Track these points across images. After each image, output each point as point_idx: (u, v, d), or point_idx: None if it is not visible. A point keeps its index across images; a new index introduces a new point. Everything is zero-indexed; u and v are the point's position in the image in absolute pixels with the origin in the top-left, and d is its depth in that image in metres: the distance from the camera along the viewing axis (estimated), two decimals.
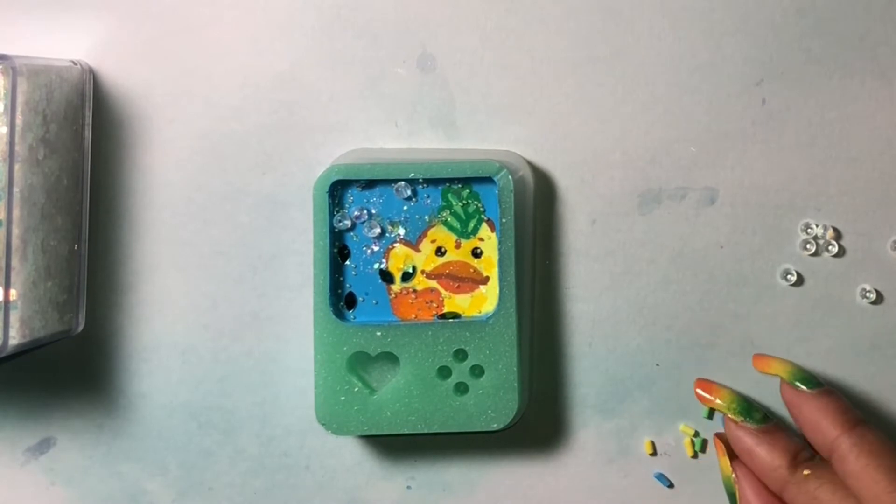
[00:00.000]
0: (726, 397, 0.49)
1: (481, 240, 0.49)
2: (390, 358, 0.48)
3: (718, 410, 0.49)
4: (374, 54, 0.50)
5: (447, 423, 0.48)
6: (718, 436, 0.50)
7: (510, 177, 0.47)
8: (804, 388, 0.48)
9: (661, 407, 0.51)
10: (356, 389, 0.47)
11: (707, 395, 0.49)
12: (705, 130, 0.51)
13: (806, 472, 0.46)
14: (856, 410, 0.47)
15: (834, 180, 0.51)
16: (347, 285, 0.49)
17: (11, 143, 0.44)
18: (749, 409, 0.49)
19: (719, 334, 0.51)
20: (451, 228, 0.49)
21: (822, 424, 0.47)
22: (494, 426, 0.48)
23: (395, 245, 0.49)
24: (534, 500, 0.52)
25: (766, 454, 0.48)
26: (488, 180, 0.48)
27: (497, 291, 0.48)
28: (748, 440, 0.48)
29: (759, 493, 0.48)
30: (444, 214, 0.49)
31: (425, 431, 0.48)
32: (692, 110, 0.51)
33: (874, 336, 0.51)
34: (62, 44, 0.50)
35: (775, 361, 0.49)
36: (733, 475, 0.49)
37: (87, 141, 0.49)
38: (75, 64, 0.49)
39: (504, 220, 0.47)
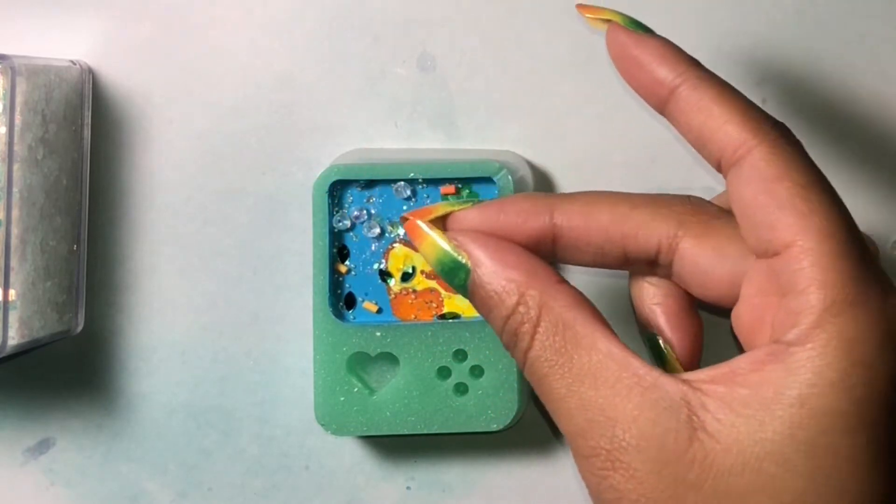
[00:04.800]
0: (444, 204, 0.39)
1: None
2: (390, 358, 0.48)
3: (440, 215, 0.39)
4: (374, 54, 0.50)
5: (447, 423, 0.48)
6: (413, 215, 0.39)
7: (510, 177, 0.47)
8: (640, 31, 0.39)
9: None
10: (356, 390, 0.47)
11: (421, 217, 0.38)
12: None
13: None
14: None
15: (834, 180, 0.51)
16: (347, 285, 0.49)
17: (10, 144, 0.44)
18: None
19: (720, 334, 0.51)
20: None
21: (662, 60, 0.38)
22: (494, 426, 0.48)
23: (394, 245, 0.49)
24: (534, 500, 0.52)
25: (519, 200, 0.38)
26: (488, 180, 0.48)
27: None
28: (488, 214, 0.38)
29: (486, 239, 0.37)
30: None
31: (425, 432, 0.48)
32: None
33: None
34: (61, 44, 0.50)
35: (604, 8, 0.40)
36: (446, 241, 0.37)
37: (87, 141, 0.49)
38: (74, 64, 0.49)
39: None
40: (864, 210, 0.51)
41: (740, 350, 0.35)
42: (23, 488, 0.51)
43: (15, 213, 0.44)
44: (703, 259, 0.37)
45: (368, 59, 0.50)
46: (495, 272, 0.36)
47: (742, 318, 0.36)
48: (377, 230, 0.48)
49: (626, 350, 0.35)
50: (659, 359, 0.39)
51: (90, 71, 0.49)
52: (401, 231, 0.49)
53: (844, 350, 0.32)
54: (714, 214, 0.38)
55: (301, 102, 0.50)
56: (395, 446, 0.51)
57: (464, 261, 0.37)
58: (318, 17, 0.50)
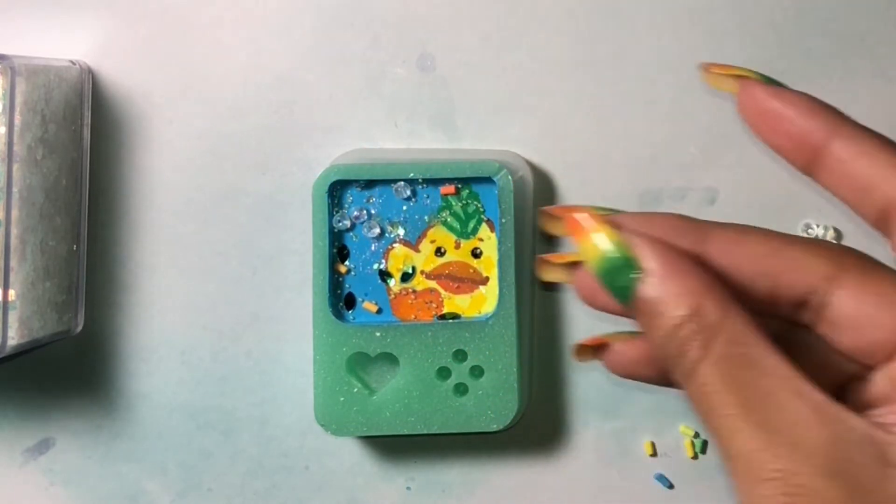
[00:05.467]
0: (586, 207, 0.36)
1: (481, 240, 0.49)
2: (390, 358, 0.48)
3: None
4: (374, 54, 0.50)
5: (447, 423, 0.48)
6: (559, 211, 0.35)
7: (510, 177, 0.47)
8: (776, 86, 0.37)
9: (662, 408, 0.51)
10: (355, 390, 0.47)
11: (565, 225, 0.35)
12: (705, 130, 0.51)
13: None
14: None
15: None
16: (347, 285, 0.49)
17: (10, 144, 0.44)
18: (615, 210, 0.36)
19: None
20: (450, 229, 0.49)
21: (811, 114, 0.35)
22: (494, 427, 0.48)
23: (394, 245, 0.49)
24: (534, 500, 0.51)
25: (667, 218, 0.35)
26: (488, 180, 0.48)
27: (497, 292, 0.48)
28: (636, 224, 0.35)
29: (660, 243, 0.34)
30: (444, 215, 0.49)
31: (425, 432, 0.48)
32: (692, 110, 0.51)
33: None
34: (61, 44, 0.50)
35: (736, 67, 0.38)
36: (616, 235, 0.34)
37: (86, 141, 0.49)
38: (74, 64, 0.49)
39: (504, 221, 0.47)
40: None
41: None
42: (23, 488, 0.51)
43: (15, 213, 0.44)
44: (865, 305, 0.34)
45: (368, 59, 0.50)
46: (668, 276, 0.33)
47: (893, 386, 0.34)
48: (377, 230, 0.48)
49: (806, 380, 0.33)
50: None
51: (90, 71, 0.49)
52: (400, 231, 0.49)
53: None
54: (874, 261, 0.36)
55: (301, 102, 0.50)
56: (395, 446, 0.51)
57: (634, 260, 0.33)
58: (318, 16, 0.50)
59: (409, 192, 0.48)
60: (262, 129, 0.50)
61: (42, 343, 0.47)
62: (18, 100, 0.44)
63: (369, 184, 0.48)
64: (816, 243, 0.35)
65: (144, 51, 0.50)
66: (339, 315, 0.48)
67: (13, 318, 0.45)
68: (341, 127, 0.50)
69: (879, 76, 0.51)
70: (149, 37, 0.50)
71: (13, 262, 0.44)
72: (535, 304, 0.51)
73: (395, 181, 0.48)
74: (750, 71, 0.37)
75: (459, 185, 0.48)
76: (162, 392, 0.51)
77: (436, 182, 0.48)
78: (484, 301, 0.49)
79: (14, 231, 0.44)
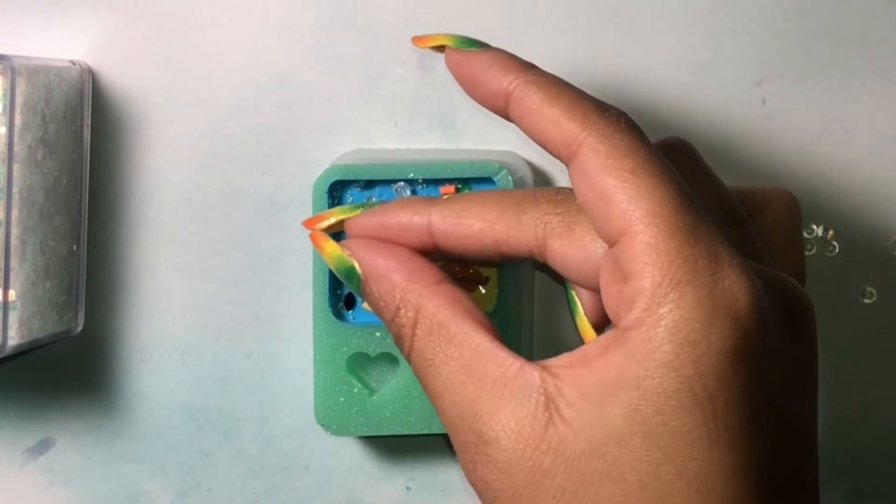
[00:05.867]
0: (335, 210, 0.42)
1: None
2: (390, 359, 0.48)
3: (335, 221, 0.42)
4: (374, 54, 0.50)
5: None
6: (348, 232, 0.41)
7: (510, 177, 0.47)
8: (472, 48, 0.40)
9: None
10: (356, 390, 0.47)
11: (314, 226, 0.42)
12: (705, 130, 0.51)
13: (447, 197, 0.40)
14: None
15: (834, 180, 0.51)
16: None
17: (10, 144, 0.44)
18: (364, 203, 0.42)
19: None
20: None
21: (493, 72, 0.38)
22: None
23: None
24: None
25: (399, 214, 0.40)
26: (488, 180, 0.48)
27: (497, 291, 0.48)
28: (376, 218, 0.40)
29: (373, 245, 0.40)
30: None
31: (425, 432, 0.48)
32: (692, 110, 0.51)
33: (874, 336, 0.51)
34: (61, 44, 0.50)
35: (437, 35, 0.41)
36: (340, 251, 0.40)
37: (87, 141, 0.49)
38: (74, 64, 0.49)
39: None
40: (865, 210, 0.51)
41: None
42: (23, 488, 0.51)
43: (15, 213, 0.44)
44: (570, 256, 0.38)
45: (368, 59, 0.50)
46: (380, 277, 0.39)
47: (605, 305, 0.37)
48: None
49: (495, 342, 0.36)
50: (571, 310, 0.41)
51: (90, 71, 0.49)
52: None
53: (672, 330, 0.33)
54: (578, 208, 0.38)
55: (301, 102, 0.50)
56: (395, 446, 0.51)
57: (356, 268, 0.39)
58: (318, 16, 0.50)
59: (409, 193, 0.48)
60: (262, 129, 0.50)
61: (42, 343, 0.47)
62: (19, 100, 0.44)
63: (369, 184, 0.48)
64: (531, 202, 0.39)
65: (144, 51, 0.50)
66: (339, 315, 0.48)
67: (13, 318, 0.45)
68: (341, 127, 0.50)
69: (879, 76, 0.51)
70: (149, 37, 0.50)
71: (13, 263, 0.44)
72: (535, 304, 0.51)
73: (396, 181, 0.48)
74: (448, 37, 0.40)
75: (459, 186, 0.48)
76: (162, 392, 0.51)
77: (436, 182, 0.48)
78: (484, 301, 0.49)
79: (14, 231, 0.44)
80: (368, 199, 0.48)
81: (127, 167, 0.50)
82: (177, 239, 0.51)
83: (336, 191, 0.48)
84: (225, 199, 0.50)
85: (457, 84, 0.40)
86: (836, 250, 0.51)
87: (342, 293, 0.49)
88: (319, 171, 0.48)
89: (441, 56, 0.50)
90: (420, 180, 0.48)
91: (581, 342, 0.39)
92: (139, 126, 0.50)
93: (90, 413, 0.51)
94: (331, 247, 0.40)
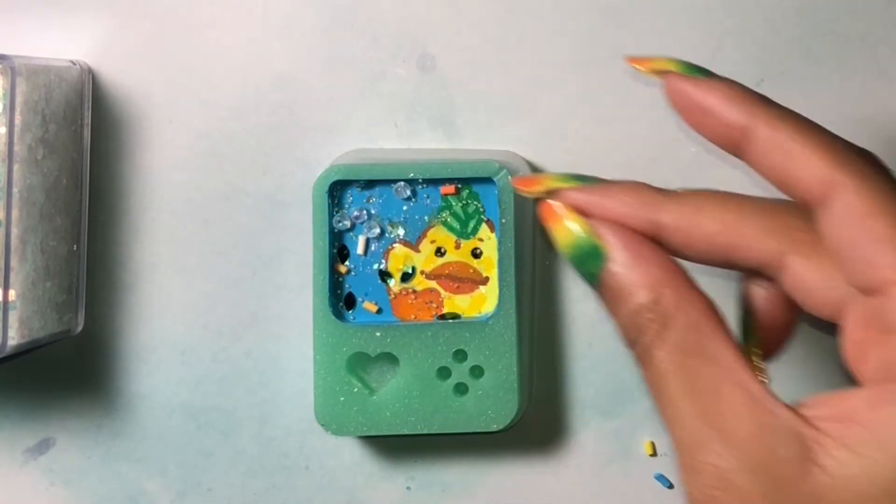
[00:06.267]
0: (550, 175, 0.38)
1: (481, 240, 0.49)
2: (390, 358, 0.48)
3: (549, 190, 0.37)
4: (374, 54, 0.50)
5: (447, 423, 0.48)
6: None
7: (510, 177, 0.47)
8: (700, 76, 0.37)
9: None
10: (356, 390, 0.47)
11: (527, 187, 0.38)
12: None
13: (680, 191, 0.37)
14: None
15: None
16: (347, 285, 0.49)
17: (10, 144, 0.44)
18: (583, 175, 0.37)
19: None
20: (450, 229, 0.49)
21: (729, 103, 0.36)
22: (494, 427, 0.48)
23: (394, 245, 0.49)
24: (534, 500, 0.52)
25: (623, 196, 0.36)
26: (488, 180, 0.48)
27: (497, 292, 0.48)
28: (596, 195, 0.36)
29: (624, 230, 0.36)
30: (444, 215, 0.49)
31: (425, 432, 0.48)
32: None
33: None
34: (61, 44, 0.50)
35: (658, 58, 0.38)
36: (583, 225, 0.36)
37: (87, 141, 0.49)
38: (74, 64, 0.49)
39: (504, 221, 0.47)
40: None
41: (843, 369, 0.35)
42: (23, 488, 0.51)
43: (15, 213, 0.44)
44: (811, 280, 0.36)
45: (368, 59, 0.50)
46: (632, 264, 0.35)
47: (846, 347, 0.35)
48: (377, 230, 0.48)
49: (749, 370, 0.34)
50: (743, 333, 0.38)
51: (90, 71, 0.49)
52: (401, 231, 0.49)
53: None
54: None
55: (301, 102, 0.50)
56: (395, 446, 0.51)
57: (600, 247, 0.35)
58: (318, 17, 0.50)
59: (409, 193, 0.48)
60: (262, 129, 0.50)
61: (42, 343, 0.47)
62: (19, 100, 0.44)
63: (369, 184, 0.48)
64: (774, 213, 0.36)
65: (144, 51, 0.50)
66: (339, 315, 0.48)
67: (13, 318, 0.45)
68: (341, 127, 0.50)
69: (879, 76, 0.51)
70: (149, 37, 0.50)
71: (13, 262, 0.44)
72: (535, 304, 0.51)
73: (396, 181, 0.48)
74: (672, 62, 0.37)
75: (459, 185, 0.49)
76: (162, 392, 0.51)
77: (436, 182, 0.48)
78: (484, 301, 0.49)
79: (14, 231, 0.44)
80: (368, 199, 0.48)
81: (127, 167, 0.50)
82: (177, 239, 0.51)
83: (336, 191, 0.48)
84: (225, 199, 0.50)
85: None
86: None
87: (342, 293, 0.49)
88: (319, 171, 0.48)
89: (441, 56, 0.50)
90: (420, 180, 0.48)
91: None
92: (139, 126, 0.50)
93: (90, 413, 0.51)
94: (572, 218, 0.36)
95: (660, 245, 0.36)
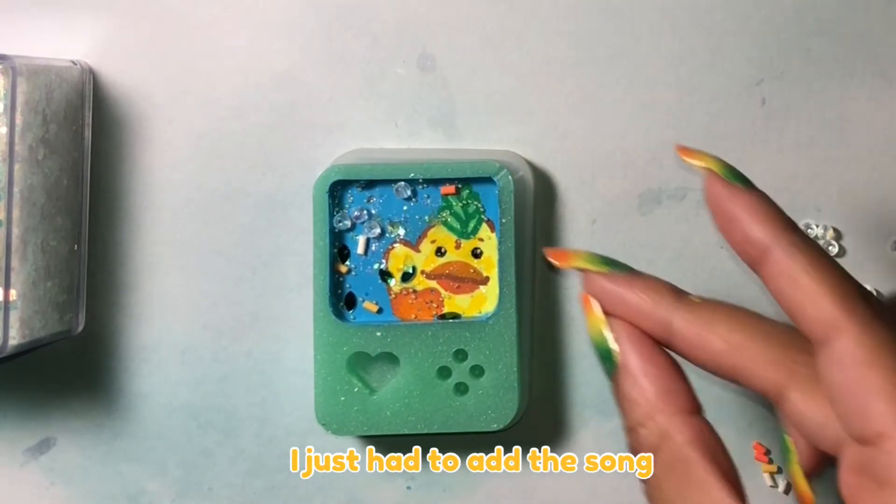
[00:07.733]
0: (582, 254, 0.39)
1: (481, 240, 0.49)
2: (390, 358, 0.48)
3: (578, 268, 0.39)
4: (374, 54, 0.50)
5: (447, 423, 0.48)
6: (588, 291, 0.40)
7: (510, 177, 0.47)
8: (737, 183, 0.38)
9: None
10: (356, 390, 0.47)
11: (559, 261, 0.40)
12: (705, 130, 0.51)
13: (696, 298, 0.38)
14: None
15: (834, 180, 0.51)
16: (347, 285, 0.49)
17: (11, 144, 0.44)
18: (613, 260, 0.39)
19: None
20: (450, 229, 0.49)
21: (756, 219, 0.37)
22: (494, 426, 0.48)
23: (394, 245, 0.49)
24: (534, 500, 0.52)
25: (642, 293, 0.38)
26: (488, 180, 0.48)
27: (497, 292, 0.48)
28: (619, 286, 0.38)
29: (640, 341, 0.38)
30: (444, 215, 0.49)
31: (425, 432, 0.48)
32: (692, 110, 0.51)
33: None
34: (62, 44, 0.50)
35: (704, 155, 0.39)
36: (605, 329, 0.38)
37: (87, 141, 0.49)
38: (75, 64, 0.49)
39: (504, 221, 0.47)
40: (864, 210, 0.51)
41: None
42: (23, 488, 0.51)
43: (16, 213, 0.44)
44: (810, 416, 0.36)
45: (368, 59, 0.50)
46: (633, 383, 0.37)
47: (842, 487, 0.35)
48: (377, 230, 0.48)
49: (730, 494, 0.34)
50: (785, 456, 0.39)
51: (90, 71, 0.49)
52: (401, 231, 0.49)
53: None
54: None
55: (301, 102, 0.50)
56: (396, 446, 0.51)
57: (615, 354, 0.37)
58: (318, 17, 0.50)
59: (409, 192, 0.48)
60: (262, 129, 0.50)
61: (43, 343, 0.47)
62: (20, 100, 0.44)
63: (370, 184, 0.48)
64: (781, 340, 0.37)
65: (144, 51, 0.50)
66: (339, 315, 0.48)
67: (14, 317, 0.45)
68: (341, 127, 0.50)
69: (879, 76, 0.51)
70: (149, 37, 0.50)
71: (14, 262, 0.44)
72: (535, 304, 0.51)
73: (396, 181, 0.48)
74: (716, 162, 0.38)
75: (460, 185, 0.49)
76: (162, 392, 0.51)
77: (436, 182, 0.48)
78: (484, 301, 0.49)
79: (15, 231, 0.45)
80: (368, 199, 0.48)
81: (127, 167, 0.50)
82: (177, 239, 0.51)
83: (336, 191, 0.48)
84: (225, 199, 0.51)
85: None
86: (836, 250, 0.51)
87: (342, 293, 0.49)
88: (319, 171, 0.48)
89: (441, 56, 0.50)
90: (420, 180, 0.48)
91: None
92: (139, 126, 0.50)
93: (91, 412, 0.51)
94: (596, 319, 0.38)
95: (671, 346, 0.38)
